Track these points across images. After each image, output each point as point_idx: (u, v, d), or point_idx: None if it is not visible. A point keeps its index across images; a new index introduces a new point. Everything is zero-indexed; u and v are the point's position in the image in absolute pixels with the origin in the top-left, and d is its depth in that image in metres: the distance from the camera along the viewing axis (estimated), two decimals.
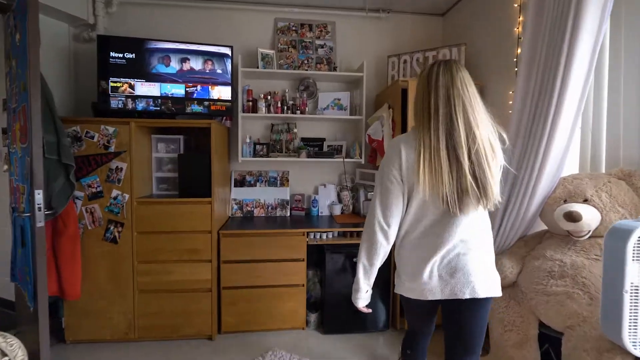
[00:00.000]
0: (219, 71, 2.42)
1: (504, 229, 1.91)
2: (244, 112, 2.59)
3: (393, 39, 2.92)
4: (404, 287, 1.26)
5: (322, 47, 2.78)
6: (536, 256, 1.77)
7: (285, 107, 2.63)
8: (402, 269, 1.27)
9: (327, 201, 2.82)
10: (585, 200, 1.62)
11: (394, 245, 1.27)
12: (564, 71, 1.55)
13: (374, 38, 2.90)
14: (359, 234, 2.42)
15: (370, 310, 1.34)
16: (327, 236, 2.40)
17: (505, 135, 1.19)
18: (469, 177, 1.08)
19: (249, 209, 2.73)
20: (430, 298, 1.18)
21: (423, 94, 1.16)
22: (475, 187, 1.09)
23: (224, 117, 2.61)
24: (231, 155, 2.78)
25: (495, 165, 1.12)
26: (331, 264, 2.31)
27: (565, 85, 1.56)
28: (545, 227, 1.88)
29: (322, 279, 2.46)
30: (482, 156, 1.09)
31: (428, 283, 1.18)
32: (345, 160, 2.68)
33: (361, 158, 2.68)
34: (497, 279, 1.20)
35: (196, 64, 2.38)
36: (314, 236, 2.39)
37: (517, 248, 1.92)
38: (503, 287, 1.85)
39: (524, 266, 1.82)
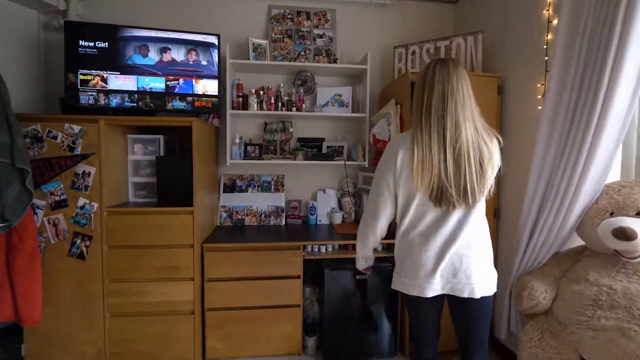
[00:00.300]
0: (204, 63, 2.14)
1: (534, 245, 1.62)
2: (233, 109, 2.31)
3: (399, 29, 2.64)
4: (403, 284, 1.28)
5: (321, 37, 2.50)
6: (575, 279, 1.48)
7: (280, 104, 2.35)
8: (401, 266, 1.30)
9: (326, 208, 2.54)
10: (639, 214, 1.34)
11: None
12: (615, 53, 1.27)
13: (378, 27, 2.62)
14: None
15: (369, 273, 1.60)
16: (326, 249, 2.12)
17: (499, 137, 1.23)
18: (452, 174, 1.15)
19: (239, 217, 2.45)
20: (430, 295, 1.22)
21: (419, 92, 1.22)
22: (457, 185, 1.15)
23: (211, 115, 2.33)
24: (219, 158, 2.50)
25: (479, 165, 1.16)
26: (331, 282, 2.02)
27: (618, 70, 1.27)
28: (580, 242, 1.60)
29: (320, 297, 2.18)
30: (464, 155, 1.14)
31: (428, 280, 1.21)
32: (347, 163, 2.40)
33: (364, 160, 2.40)
34: (494, 277, 1.26)
35: (178, 54, 2.10)
36: (312, 249, 2.11)
37: (549, 267, 1.63)
38: (534, 315, 1.58)
39: (559, 290, 1.53)
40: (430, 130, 1.15)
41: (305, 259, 2.06)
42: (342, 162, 2.39)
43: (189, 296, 1.91)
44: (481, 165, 1.16)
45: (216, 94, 2.17)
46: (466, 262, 1.20)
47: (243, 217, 2.46)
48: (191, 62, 2.12)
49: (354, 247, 2.11)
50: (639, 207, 1.34)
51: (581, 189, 1.43)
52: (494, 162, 1.19)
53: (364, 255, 1.50)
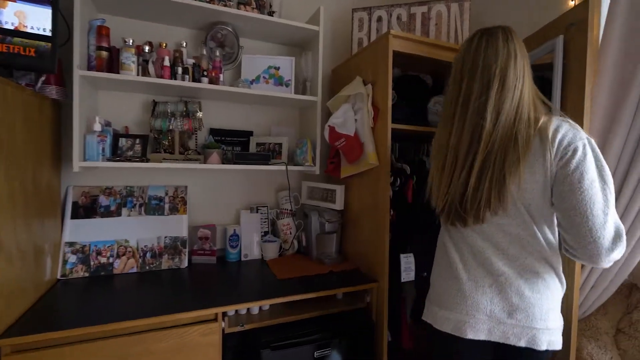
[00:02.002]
0: None
1: (587, 289, 1.09)
2: (90, 69, 1.29)
3: None
4: (435, 315, 0.94)
5: None
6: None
7: (180, 70, 1.41)
8: (435, 290, 0.98)
9: (255, 236, 1.68)
10: None
11: None
12: None
13: None
14: (317, 301, 1.37)
15: None
16: (260, 310, 1.29)
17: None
18: (474, 179, 0.84)
19: (103, 260, 1.41)
20: (470, 336, 0.87)
21: (454, 80, 0.91)
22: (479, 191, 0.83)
23: (41, 77, 1.26)
24: (64, 157, 1.42)
25: (518, 169, 0.79)
26: None
27: None
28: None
29: None
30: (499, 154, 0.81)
31: (471, 315, 0.87)
32: (289, 167, 1.60)
33: (314, 165, 1.63)
34: (560, 325, 0.86)
35: None
36: (237, 312, 1.25)
37: (595, 320, 1.13)
38: None
39: (624, 357, 1.02)
40: (463, 130, 0.86)
41: (227, 334, 1.18)
42: (283, 167, 1.58)
43: None
44: (508, 169, 0.82)
45: (49, 34, 1.13)
46: (527, 296, 0.84)
47: (111, 259, 1.43)
48: None
49: (306, 303, 1.33)
50: None
51: None
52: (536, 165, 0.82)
53: None
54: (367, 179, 1.49)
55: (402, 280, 1.37)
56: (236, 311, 1.27)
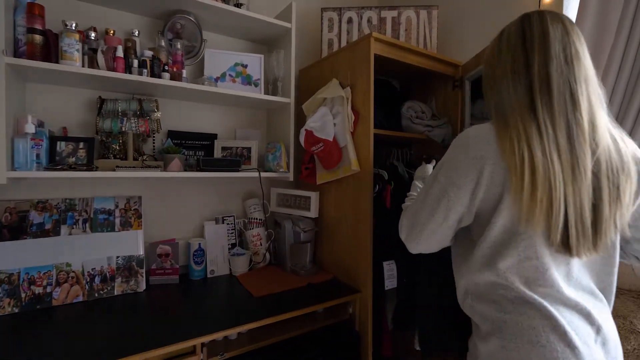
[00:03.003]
0: None
1: None
2: (19, 56, 1.05)
3: None
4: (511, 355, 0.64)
5: None
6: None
7: (137, 63, 1.22)
8: (506, 326, 0.66)
9: (221, 250, 1.53)
10: None
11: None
12: None
13: None
14: (299, 316, 1.29)
15: None
16: (237, 335, 1.16)
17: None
18: (586, 200, 0.63)
19: (39, 290, 1.16)
20: None
21: (517, 56, 0.68)
22: (587, 218, 0.63)
23: None
24: None
25: (626, 185, 0.65)
26: None
27: None
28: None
29: None
30: (608, 168, 0.64)
31: (562, 351, 0.61)
32: (261, 174, 1.48)
33: (288, 171, 1.53)
34: None
35: None
36: (214, 341, 1.11)
37: None
38: None
39: None
40: (554, 127, 0.63)
41: None
42: (254, 174, 1.45)
43: None
44: (621, 186, 0.65)
45: None
46: (607, 328, 0.68)
47: (49, 289, 1.17)
48: None
49: (286, 321, 1.23)
50: None
51: None
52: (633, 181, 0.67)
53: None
54: (345, 185, 1.43)
55: (386, 288, 1.35)
56: (213, 340, 1.13)
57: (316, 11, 1.76)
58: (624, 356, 1.03)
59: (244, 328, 1.09)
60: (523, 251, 0.66)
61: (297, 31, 1.78)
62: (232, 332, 1.07)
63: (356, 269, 1.38)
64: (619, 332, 1.08)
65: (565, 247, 0.64)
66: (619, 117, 1.12)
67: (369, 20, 1.70)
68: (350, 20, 1.71)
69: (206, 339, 1.01)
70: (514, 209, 0.65)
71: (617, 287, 1.14)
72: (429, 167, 1.13)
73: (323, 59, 1.59)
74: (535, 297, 0.65)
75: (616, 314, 1.11)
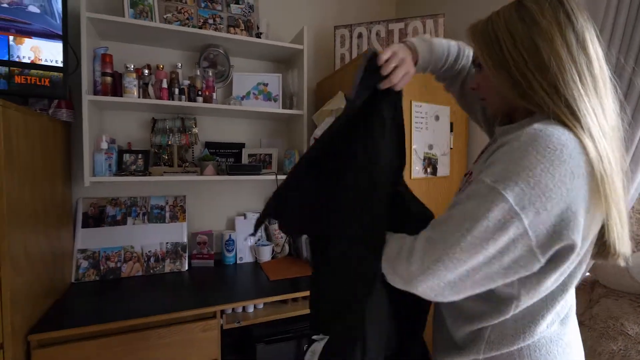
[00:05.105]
0: (33, 9, 1.23)
1: None
2: (95, 93, 1.43)
3: (339, 3, 2.12)
4: None
5: (238, 2, 1.79)
6: (604, 332, 1.12)
7: (177, 91, 1.56)
8: None
9: (249, 240, 1.82)
10: None
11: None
12: None
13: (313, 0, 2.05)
14: (307, 299, 1.51)
15: None
16: (255, 309, 1.43)
17: None
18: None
19: (112, 264, 1.56)
20: None
21: (565, 40, 0.52)
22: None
23: (54, 103, 1.40)
24: (74, 173, 1.56)
25: None
26: None
27: None
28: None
29: None
30: None
31: None
32: (279, 177, 1.74)
33: None
34: None
35: None
36: (233, 310, 1.39)
37: None
38: None
39: (584, 347, 1.16)
40: (606, 114, 0.52)
41: (226, 330, 1.32)
42: (273, 177, 1.72)
43: None
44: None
45: (60, 65, 1.28)
46: None
47: (119, 264, 1.57)
48: (5, 5, 1.19)
49: (296, 301, 1.47)
50: None
51: None
52: None
53: None
54: None
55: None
56: (233, 309, 1.41)
57: (331, 29, 1.97)
58: (609, 356, 1.07)
59: (256, 302, 1.36)
60: None
61: (314, 48, 2.01)
62: (245, 304, 1.34)
63: None
64: (608, 333, 1.13)
65: None
66: None
67: (378, 34, 1.86)
68: (360, 35, 1.88)
69: (224, 307, 1.30)
70: None
71: (615, 290, 1.16)
72: None
73: (334, 72, 1.80)
74: None
75: (609, 316, 1.14)
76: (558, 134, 0.48)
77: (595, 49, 0.53)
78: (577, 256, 0.51)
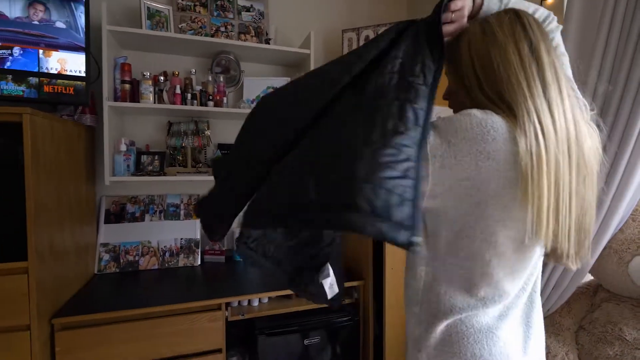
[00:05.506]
0: (60, 25, 1.36)
1: (549, 289, 1.22)
2: (116, 100, 1.55)
3: (348, 7, 2.16)
4: None
5: (248, 10, 1.87)
6: (602, 336, 1.11)
7: (190, 96, 1.65)
8: None
9: None
10: None
11: None
12: None
13: (321, 4, 2.10)
14: None
15: None
16: (259, 302, 1.50)
17: None
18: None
19: (131, 258, 1.68)
20: None
21: (517, 48, 0.55)
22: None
23: (79, 109, 1.53)
24: (97, 172, 1.69)
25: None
26: (268, 353, 1.40)
27: None
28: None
29: None
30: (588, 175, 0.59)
31: None
32: None
33: None
34: None
35: (11, 7, 1.29)
36: (239, 304, 1.47)
37: (559, 317, 1.26)
38: None
39: (581, 351, 1.15)
40: (554, 115, 0.53)
41: (230, 322, 1.41)
42: None
43: None
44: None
45: (83, 74, 1.40)
46: None
47: (137, 257, 1.69)
48: (36, 22, 1.33)
49: (299, 297, 1.53)
50: None
51: (616, 211, 1.06)
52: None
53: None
54: None
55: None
56: (239, 302, 1.49)
57: (339, 32, 2.01)
58: None
59: (258, 296, 1.44)
60: None
61: (323, 52, 2.06)
62: (251, 297, 1.42)
63: (359, 259, 1.61)
64: (606, 338, 1.11)
65: None
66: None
67: None
68: (367, 38, 1.91)
69: (230, 299, 1.38)
70: None
71: (617, 295, 1.15)
72: None
73: None
74: None
75: (609, 320, 1.13)
76: (493, 119, 0.51)
77: (551, 59, 0.55)
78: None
